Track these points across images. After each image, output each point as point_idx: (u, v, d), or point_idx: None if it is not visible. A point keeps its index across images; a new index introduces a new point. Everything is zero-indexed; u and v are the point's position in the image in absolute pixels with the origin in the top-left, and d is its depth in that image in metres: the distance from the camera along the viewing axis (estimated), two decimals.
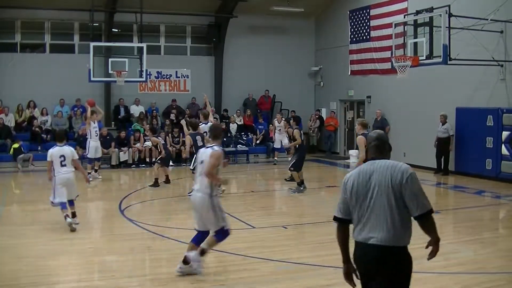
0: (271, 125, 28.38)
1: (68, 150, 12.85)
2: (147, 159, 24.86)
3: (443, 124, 21.75)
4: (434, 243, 5.44)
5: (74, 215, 12.64)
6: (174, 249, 11.10)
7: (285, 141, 25.69)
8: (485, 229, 13.23)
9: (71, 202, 12.71)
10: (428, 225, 5.35)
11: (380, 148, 5.57)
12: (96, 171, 20.44)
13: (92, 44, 23.42)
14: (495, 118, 19.78)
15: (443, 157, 21.75)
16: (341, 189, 5.58)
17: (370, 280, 5.40)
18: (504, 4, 18.55)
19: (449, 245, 11.53)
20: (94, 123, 20.21)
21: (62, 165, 12.64)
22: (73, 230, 12.31)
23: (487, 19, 18.55)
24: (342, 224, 5.66)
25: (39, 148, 25.02)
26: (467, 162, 20.93)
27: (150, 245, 11.58)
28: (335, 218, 5.68)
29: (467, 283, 8.95)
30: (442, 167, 21.82)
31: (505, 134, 19.44)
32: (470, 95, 21.05)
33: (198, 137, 15.84)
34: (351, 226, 5.63)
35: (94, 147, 20.13)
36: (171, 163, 25.03)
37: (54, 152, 12.73)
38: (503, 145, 19.45)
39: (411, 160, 23.28)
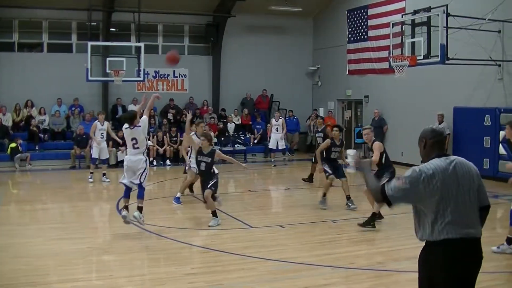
0: (268, 125, 28.32)
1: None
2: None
3: (440, 124, 21.79)
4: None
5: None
6: (172, 248, 11.13)
7: (282, 143, 26.16)
8: (483, 229, 13.21)
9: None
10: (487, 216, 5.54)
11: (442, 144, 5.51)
12: (104, 174, 20.33)
13: (90, 43, 23.47)
14: (492, 117, 19.82)
15: None
16: (413, 180, 5.19)
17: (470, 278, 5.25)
18: (501, 4, 18.57)
19: None
20: (103, 124, 20.15)
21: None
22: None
23: (485, 19, 18.57)
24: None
25: (36, 148, 25.03)
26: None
27: (148, 245, 11.60)
28: (390, 198, 5.31)
29: None
30: None
31: (502, 133, 19.39)
32: (467, 94, 21.07)
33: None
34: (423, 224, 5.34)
35: (96, 147, 20.09)
36: (168, 163, 25.14)
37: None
38: (500, 145, 19.45)
39: (409, 160, 23.34)
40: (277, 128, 25.94)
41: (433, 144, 5.41)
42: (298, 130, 29.69)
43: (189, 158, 15.64)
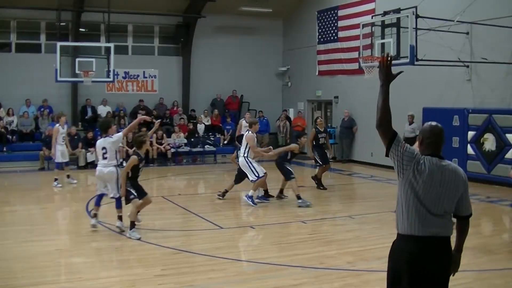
0: (238, 124, 28.02)
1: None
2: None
3: (410, 124, 21.98)
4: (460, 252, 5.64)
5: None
6: (141, 250, 11.08)
7: None
8: (453, 228, 13.32)
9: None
10: (467, 228, 5.64)
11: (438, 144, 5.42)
12: (68, 176, 20.05)
13: (59, 43, 23.26)
14: (461, 118, 20.00)
15: None
16: (411, 150, 5.21)
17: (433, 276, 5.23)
18: (470, 6, 18.75)
19: None
20: (63, 128, 19.82)
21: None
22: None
23: (453, 21, 18.74)
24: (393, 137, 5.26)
25: (4, 149, 24.79)
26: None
27: (118, 246, 11.53)
28: (397, 137, 5.24)
29: None
30: None
31: (470, 134, 19.67)
32: (437, 95, 21.24)
33: None
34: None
35: (60, 151, 19.67)
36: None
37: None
38: (469, 145, 19.66)
39: (378, 160, 23.55)
40: (248, 130, 25.02)
41: (428, 144, 5.38)
42: (268, 131, 29.72)
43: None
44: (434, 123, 5.50)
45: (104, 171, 12.37)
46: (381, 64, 5.35)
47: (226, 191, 16.72)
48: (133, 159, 11.95)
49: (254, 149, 15.75)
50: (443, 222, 5.21)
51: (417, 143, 5.59)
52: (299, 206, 15.41)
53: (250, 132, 15.93)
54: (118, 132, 13.38)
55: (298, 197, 15.61)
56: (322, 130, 19.04)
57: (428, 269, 5.13)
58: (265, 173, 15.80)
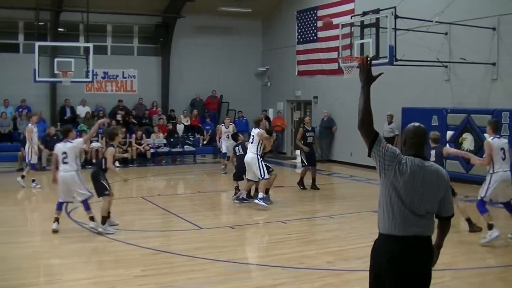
0: (217, 126, 27.89)
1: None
2: (93, 160, 24.61)
3: (389, 124, 22.07)
4: (439, 249, 5.62)
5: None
6: (120, 251, 11.05)
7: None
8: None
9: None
10: (448, 228, 5.61)
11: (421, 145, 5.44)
12: (23, 177, 19.55)
13: (37, 43, 23.10)
14: (440, 118, 20.13)
15: None
16: (392, 150, 5.21)
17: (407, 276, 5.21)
18: (448, 7, 18.85)
19: None
20: (35, 127, 19.56)
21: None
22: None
23: (432, 21, 18.82)
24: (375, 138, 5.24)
25: None
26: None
27: (97, 247, 11.49)
28: (379, 138, 5.23)
29: None
30: None
31: (449, 133, 19.79)
32: (416, 95, 21.34)
33: None
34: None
35: (35, 152, 19.35)
36: (117, 164, 24.88)
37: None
38: (447, 145, 19.76)
39: (358, 160, 23.62)
40: (228, 135, 23.56)
41: (411, 144, 5.39)
42: (248, 131, 29.68)
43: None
44: (417, 124, 5.53)
45: (65, 176, 12.37)
46: (361, 66, 5.35)
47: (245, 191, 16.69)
48: (111, 149, 12.50)
49: (269, 141, 15.81)
50: (425, 222, 5.21)
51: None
52: (256, 203, 15.39)
53: (259, 129, 15.72)
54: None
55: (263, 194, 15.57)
56: (309, 129, 19.07)
57: (409, 269, 5.13)
58: (271, 174, 15.83)
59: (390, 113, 21.90)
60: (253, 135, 15.73)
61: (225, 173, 22.71)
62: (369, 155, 5.31)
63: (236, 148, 16.81)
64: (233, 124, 24.62)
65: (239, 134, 18.76)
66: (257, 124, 15.99)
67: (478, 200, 11.90)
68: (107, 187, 12.59)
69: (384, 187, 5.24)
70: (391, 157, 5.17)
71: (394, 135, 21.93)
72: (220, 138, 24.27)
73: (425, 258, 5.26)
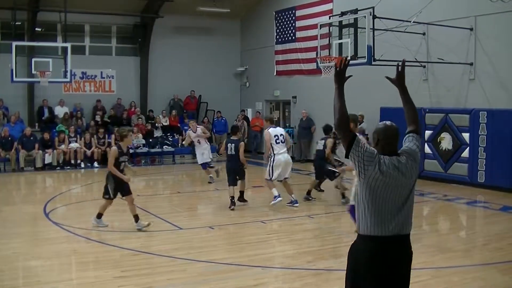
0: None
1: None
2: (72, 161, 24.53)
3: (360, 124, 22.24)
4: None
5: None
6: (100, 252, 11.01)
7: (207, 154, 20.96)
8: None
9: None
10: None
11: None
12: None
13: (14, 43, 22.97)
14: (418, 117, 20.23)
15: None
16: (371, 150, 5.23)
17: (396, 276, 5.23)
18: (426, 7, 18.96)
19: None
20: None
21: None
22: None
23: (410, 21, 18.93)
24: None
25: None
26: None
27: (76, 248, 11.44)
28: (356, 139, 5.23)
29: None
30: None
31: (428, 133, 19.93)
32: (394, 95, 21.01)
33: None
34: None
35: None
36: (96, 165, 24.80)
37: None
38: (426, 144, 19.92)
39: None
40: (198, 140, 20.83)
41: (385, 143, 5.41)
42: (226, 131, 29.65)
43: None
44: (388, 123, 5.60)
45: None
46: (337, 66, 5.38)
47: (310, 191, 16.86)
48: (113, 149, 12.47)
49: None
50: (403, 221, 5.21)
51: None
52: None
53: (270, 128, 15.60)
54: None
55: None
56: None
57: (389, 270, 5.14)
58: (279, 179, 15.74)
59: (361, 113, 22.01)
60: (282, 134, 15.61)
61: (211, 182, 20.44)
62: (346, 156, 5.30)
63: (229, 145, 15.70)
64: (202, 126, 22.62)
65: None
66: (271, 123, 15.92)
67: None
68: (110, 191, 12.53)
69: (364, 188, 5.21)
70: (370, 157, 5.16)
71: (365, 135, 22.11)
72: (189, 144, 22.67)
73: (405, 258, 5.28)
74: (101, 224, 12.85)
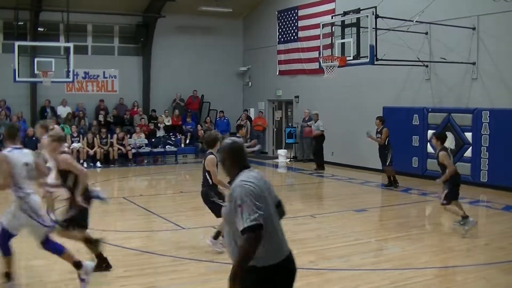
0: (199, 126, 28.25)
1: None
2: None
3: (315, 122, 23.04)
4: None
5: None
6: (103, 251, 10.99)
7: None
8: (412, 226, 13.49)
9: None
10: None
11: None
12: None
13: (16, 43, 23.02)
14: (420, 117, 20.27)
15: None
16: (254, 193, 4.88)
17: None
18: (428, 7, 18.94)
19: (377, 242, 11.76)
20: None
21: None
22: None
23: (413, 21, 18.90)
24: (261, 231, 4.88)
25: None
26: (394, 160, 21.29)
27: (79, 248, 11.39)
28: (259, 226, 4.84)
29: (395, 279, 9.12)
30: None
31: (430, 132, 19.88)
32: (396, 94, 21.45)
33: None
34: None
35: None
36: (98, 165, 24.77)
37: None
38: (428, 144, 19.88)
39: (339, 160, 23.71)
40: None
41: (237, 160, 5.17)
42: (229, 131, 29.64)
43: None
44: (231, 140, 5.31)
45: None
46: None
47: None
48: (211, 158, 11.36)
49: None
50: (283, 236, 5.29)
51: None
52: None
53: None
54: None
55: None
56: (379, 130, 18.76)
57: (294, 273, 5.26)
58: None
59: (315, 112, 22.84)
60: None
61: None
62: None
63: None
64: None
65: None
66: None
67: None
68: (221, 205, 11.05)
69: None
70: (261, 198, 4.95)
71: (322, 132, 22.85)
72: None
73: (294, 275, 5.34)
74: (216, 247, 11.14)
